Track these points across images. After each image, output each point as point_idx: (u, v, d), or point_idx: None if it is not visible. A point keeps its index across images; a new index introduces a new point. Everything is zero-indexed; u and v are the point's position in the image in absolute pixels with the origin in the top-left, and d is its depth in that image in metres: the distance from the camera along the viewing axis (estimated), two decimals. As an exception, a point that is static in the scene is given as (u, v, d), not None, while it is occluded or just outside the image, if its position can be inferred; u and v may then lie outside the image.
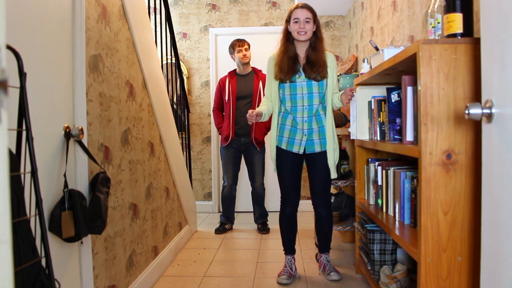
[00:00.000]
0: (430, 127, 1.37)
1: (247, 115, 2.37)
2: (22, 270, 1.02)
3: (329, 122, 2.42)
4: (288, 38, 2.42)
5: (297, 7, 2.38)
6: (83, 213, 1.49)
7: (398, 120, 1.88)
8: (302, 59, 2.42)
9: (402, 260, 2.08)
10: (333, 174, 2.44)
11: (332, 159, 2.41)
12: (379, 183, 2.17)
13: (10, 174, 1.00)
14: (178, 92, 4.04)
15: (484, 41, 1.03)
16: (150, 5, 2.94)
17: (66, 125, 1.52)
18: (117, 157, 2.03)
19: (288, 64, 2.37)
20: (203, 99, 4.68)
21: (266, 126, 3.64)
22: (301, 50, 2.42)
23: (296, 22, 2.34)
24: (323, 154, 2.42)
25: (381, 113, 2.15)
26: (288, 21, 2.40)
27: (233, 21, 4.65)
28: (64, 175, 1.47)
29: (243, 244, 3.35)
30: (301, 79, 2.39)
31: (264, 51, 4.11)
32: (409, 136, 1.64)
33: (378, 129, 2.19)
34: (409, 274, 1.97)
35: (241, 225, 3.98)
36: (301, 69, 2.40)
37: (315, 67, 2.36)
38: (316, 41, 2.39)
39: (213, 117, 3.88)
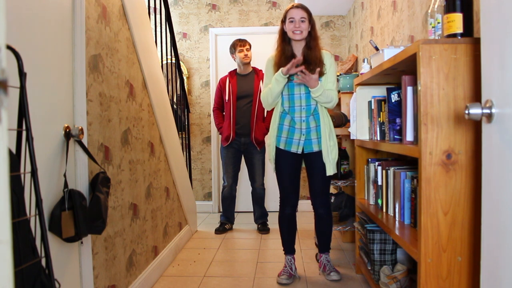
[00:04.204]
0: (430, 127, 1.37)
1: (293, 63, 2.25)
2: (22, 270, 1.02)
3: (323, 120, 2.41)
4: (284, 39, 2.42)
5: (292, 7, 2.38)
6: (83, 213, 1.49)
7: (398, 120, 1.88)
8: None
9: (402, 260, 2.08)
10: (329, 171, 2.38)
11: (327, 154, 2.37)
12: (379, 183, 2.17)
13: (10, 174, 1.00)
14: (178, 92, 4.04)
15: (484, 41, 1.03)
16: (150, 5, 2.94)
17: (66, 125, 1.52)
18: (117, 157, 2.03)
19: (286, 64, 2.37)
20: (203, 99, 4.68)
21: (267, 127, 3.64)
22: (298, 51, 2.42)
23: (292, 21, 2.34)
24: (321, 153, 2.42)
25: (381, 113, 2.15)
26: (283, 21, 2.40)
27: (233, 21, 4.65)
28: (64, 175, 1.47)
29: (243, 244, 3.35)
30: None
31: (264, 51, 4.10)
32: (409, 136, 1.64)
33: (378, 129, 2.19)
34: (409, 274, 1.97)
35: (241, 225, 3.98)
36: None
37: (311, 65, 2.35)
38: (311, 40, 2.39)
39: (213, 117, 3.88)
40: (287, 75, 2.32)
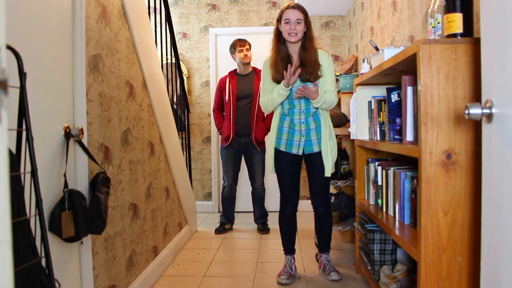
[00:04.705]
0: (430, 127, 1.37)
1: (289, 73, 2.25)
2: (22, 270, 1.02)
3: (324, 121, 2.41)
4: (279, 38, 2.41)
5: (288, 7, 2.35)
6: (83, 213, 1.49)
7: (398, 120, 1.88)
8: (295, 61, 2.40)
9: (402, 260, 2.08)
10: (327, 172, 2.39)
11: (326, 155, 2.38)
12: (379, 183, 2.17)
13: (10, 174, 1.00)
14: (178, 92, 4.04)
15: (484, 41, 1.03)
16: (150, 5, 2.94)
17: (66, 125, 1.52)
18: (117, 157, 2.03)
19: (282, 65, 2.36)
20: (203, 99, 4.68)
21: (267, 127, 3.64)
22: (293, 52, 2.40)
23: (287, 22, 2.32)
24: (321, 154, 2.41)
25: (381, 113, 2.15)
26: (279, 20, 2.38)
27: (233, 21, 4.65)
28: (64, 175, 1.47)
29: (243, 244, 3.35)
30: (296, 83, 2.37)
31: (264, 51, 4.09)
32: (409, 136, 1.64)
33: (378, 129, 2.19)
34: (409, 274, 1.97)
35: (241, 225, 3.98)
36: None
37: (307, 68, 2.34)
38: (306, 41, 2.37)
39: (213, 117, 3.88)
40: (290, 87, 2.31)
